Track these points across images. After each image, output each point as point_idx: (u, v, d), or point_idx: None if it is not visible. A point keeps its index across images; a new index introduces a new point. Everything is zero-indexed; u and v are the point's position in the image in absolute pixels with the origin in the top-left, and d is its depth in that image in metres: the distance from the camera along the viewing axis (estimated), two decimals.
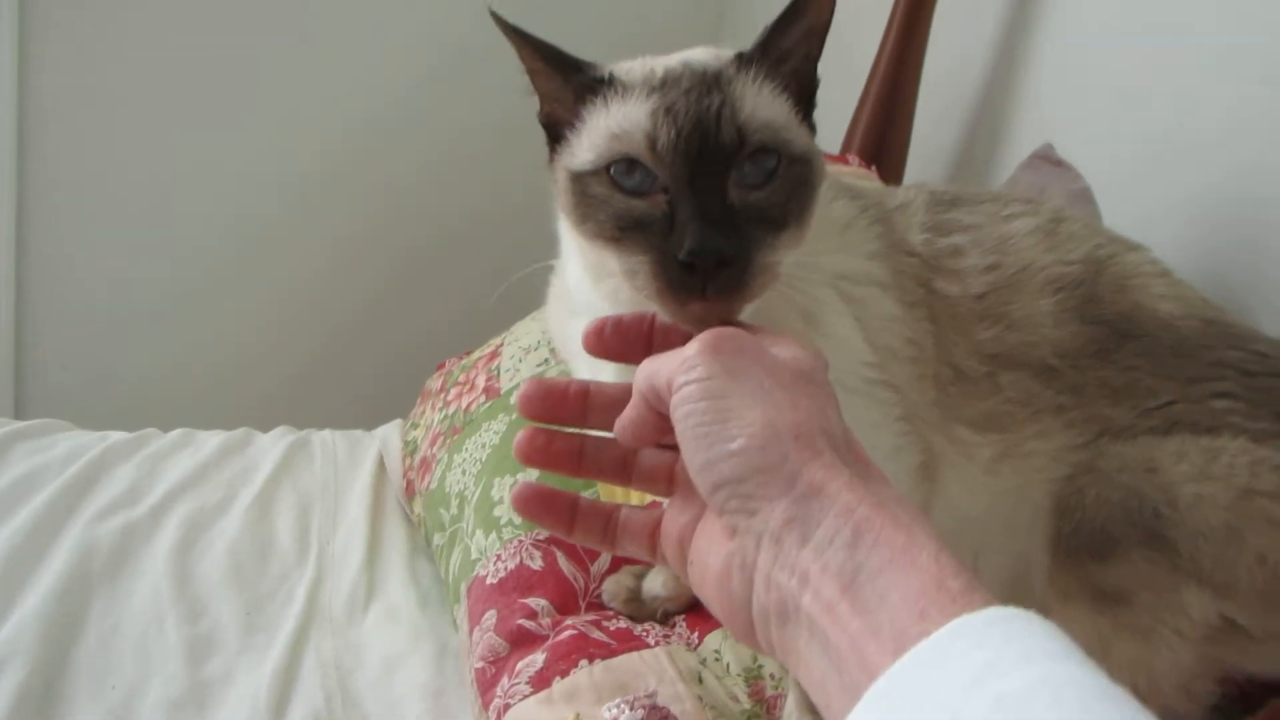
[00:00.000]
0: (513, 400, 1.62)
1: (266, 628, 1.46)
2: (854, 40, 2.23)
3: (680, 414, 0.62)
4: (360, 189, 2.78)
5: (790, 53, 0.86)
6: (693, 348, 0.63)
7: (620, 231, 0.81)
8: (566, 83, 0.87)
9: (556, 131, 0.89)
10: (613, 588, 1.34)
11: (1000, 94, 2.02)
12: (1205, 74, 1.57)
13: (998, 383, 1.06)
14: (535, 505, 0.74)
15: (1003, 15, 1.99)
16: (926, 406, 1.05)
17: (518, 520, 1.41)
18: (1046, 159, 1.74)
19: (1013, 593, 1.10)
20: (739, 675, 1.21)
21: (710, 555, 0.63)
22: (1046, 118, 1.91)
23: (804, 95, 0.88)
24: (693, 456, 0.61)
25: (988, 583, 1.05)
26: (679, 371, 0.62)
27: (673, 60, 0.87)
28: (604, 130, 0.83)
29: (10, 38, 2.34)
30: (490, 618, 1.30)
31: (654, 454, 0.75)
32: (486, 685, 1.24)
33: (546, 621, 1.28)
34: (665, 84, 0.83)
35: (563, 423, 0.74)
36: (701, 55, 0.88)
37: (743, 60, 0.85)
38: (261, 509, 1.72)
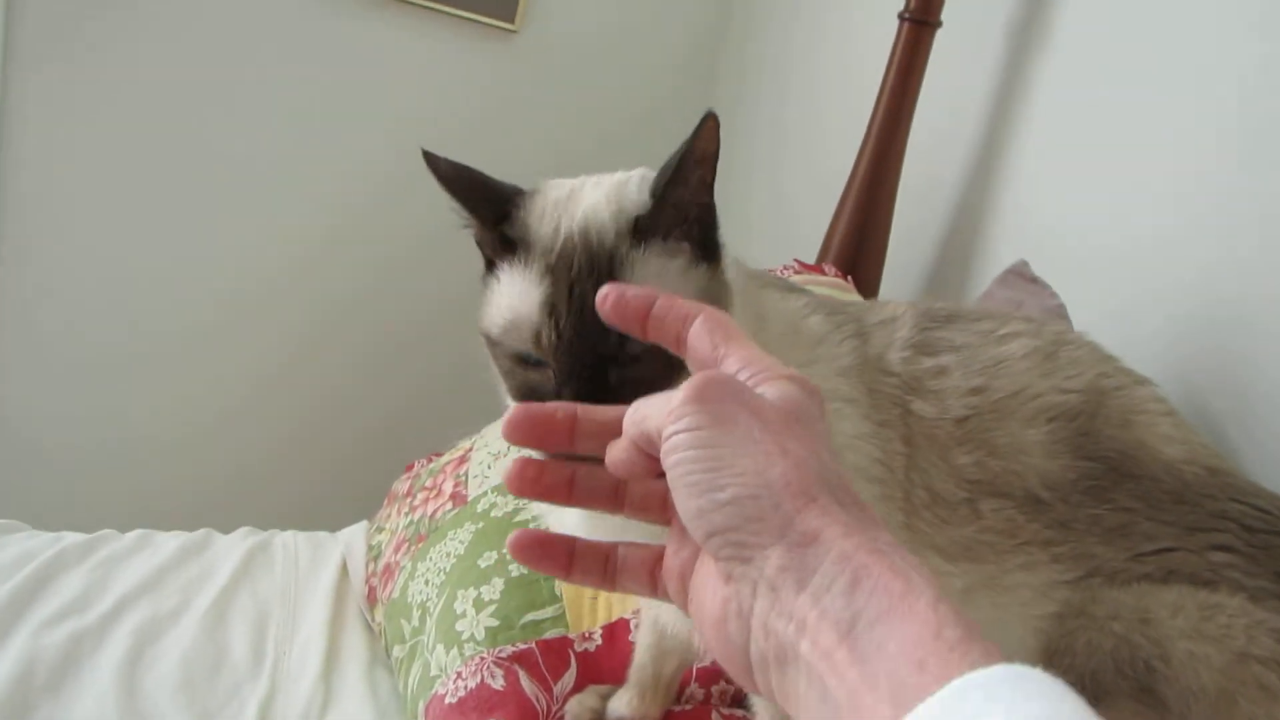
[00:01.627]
0: (479, 508, 1.58)
1: None
2: (831, 151, 2.27)
3: (670, 463, 0.60)
4: (329, 280, 2.78)
5: (686, 202, 0.91)
6: (680, 395, 0.61)
7: (523, 398, 0.92)
8: (486, 230, 0.95)
9: (486, 256, 0.98)
10: (576, 709, 1.29)
11: (976, 208, 2.04)
12: (1175, 194, 1.60)
13: (978, 510, 1.03)
14: (532, 550, 0.71)
15: (979, 130, 2.03)
16: (895, 528, 1.02)
17: (480, 635, 1.36)
18: (1021, 275, 1.74)
19: None
20: None
21: (707, 598, 0.61)
22: (1021, 233, 1.93)
23: (705, 229, 0.94)
24: (684, 505, 0.60)
25: None
26: (668, 421, 0.61)
27: (575, 212, 0.93)
28: (507, 308, 0.92)
29: None
30: None
31: (647, 481, 0.73)
32: None
33: None
34: (558, 265, 0.89)
35: (551, 448, 0.72)
36: (605, 207, 0.93)
37: (638, 230, 0.90)
38: (217, 616, 1.66)
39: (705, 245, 0.94)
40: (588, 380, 0.87)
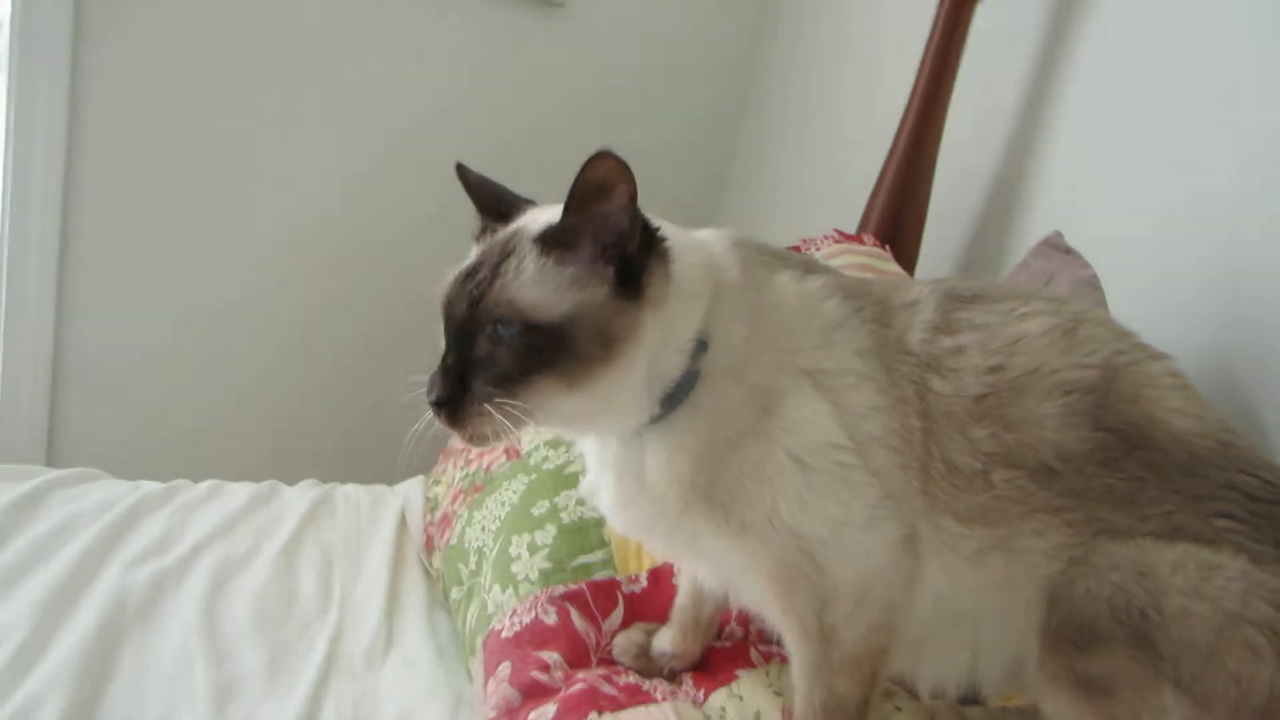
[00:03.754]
0: (532, 461, 1.68)
1: (289, 674, 1.51)
2: (872, 125, 2.33)
3: None
4: (383, 237, 2.89)
5: (601, 227, 1.03)
6: None
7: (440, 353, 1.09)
8: (484, 216, 1.17)
9: None
10: (623, 644, 1.39)
11: (1013, 179, 2.10)
12: (1208, 166, 1.65)
13: (991, 480, 1.09)
14: None
15: (1017, 104, 2.08)
16: (912, 494, 1.10)
17: (534, 576, 1.47)
18: (1056, 246, 1.79)
19: (1010, 678, 1.15)
20: None
21: None
22: (1057, 205, 1.98)
23: (625, 261, 1.04)
24: None
25: (989, 675, 1.10)
26: None
27: (532, 219, 1.11)
28: (446, 271, 1.12)
29: (61, 119, 2.48)
30: (505, 669, 1.36)
31: None
32: None
33: (559, 674, 1.33)
34: (483, 251, 1.10)
35: None
36: (546, 217, 1.09)
37: (545, 238, 1.06)
38: (286, 560, 1.78)
39: (624, 276, 1.04)
40: (455, 341, 1.05)
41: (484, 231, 1.14)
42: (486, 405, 1.02)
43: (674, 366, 1.07)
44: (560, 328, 1.02)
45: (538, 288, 1.03)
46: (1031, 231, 1.96)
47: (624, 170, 0.98)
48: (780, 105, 3.05)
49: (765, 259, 1.16)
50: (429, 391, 1.05)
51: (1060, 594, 1.06)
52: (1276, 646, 0.98)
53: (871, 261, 1.92)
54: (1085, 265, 1.71)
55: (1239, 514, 1.06)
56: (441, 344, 1.08)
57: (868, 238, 2.05)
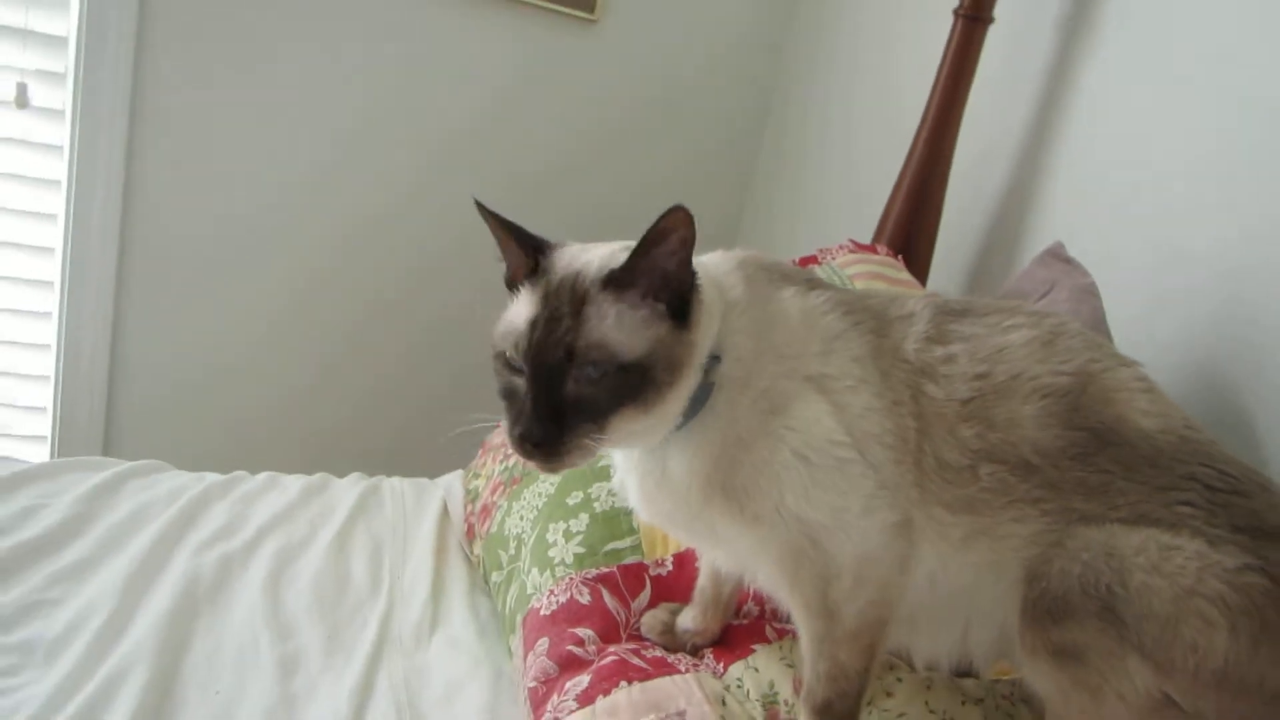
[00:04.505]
0: None
1: (345, 650, 1.67)
2: (888, 140, 2.45)
3: None
4: (420, 240, 3.06)
5: (654, 269, 1.14)
6: None
7: (504, 397, 1.19)
8: (527, 257, 1.22)
9: (511, 287, 1.25)
10: (650, 621, 1.53)
11: (1021, 193, 2.21)
12: (1202, 184, 1.76)
13: (977, 474, 1.22)
14: None
15: (1025, 122, 2.20)
16: (906, 486, 1.23)
17: (569, 560, 1.61)
18: (1057, 256, 1.90)
19: (998, 651, 1.28)
20: (758, 700, 1.38)
21: None
22: (1060, 217, 2.10)
23: (677, 296, 1.16)
24: None
25: (978, 648, 1.24)
26: None
27: (579, 261, 1.20)
28: (506, 319, 1.20)
29: (123, 119, 2.66)
30: (543, 644, 1.50)
31: None
32: (538, 702, 1.43)
33: (592, 648, 1.47)
34: (549, 294, 1.17)
35: None
36: (599, 261, 1.19)
37: (610, 281, 1.15)
38: (340, 546, 1.94)
39: (679, 309, 1.16)
40: (546, 386, 1.13)
41: (535, 273, 1.21)
42: (587, 440, 1.14)
43: (695, 381, 1.20)
44: (642, 363, 1.14)
45: (621, 331, 1.13)
46: (1038, 242, 2.07)
47: (691, 221, 1.11)
48: (801, 120, 3.17)
49: (771, 277, 1.30)
50: (517, 429, 1.14)
51: (1038, 573, 1.18)
52: (1229, 618, 1.10)
53: (884, 270, 2.04)
54: (1085, 274, 1.82)
55: (1198, 502, 1.17)
56: (512, 384, 1.17)
57: (881, 248, 2.17)
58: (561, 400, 1.13)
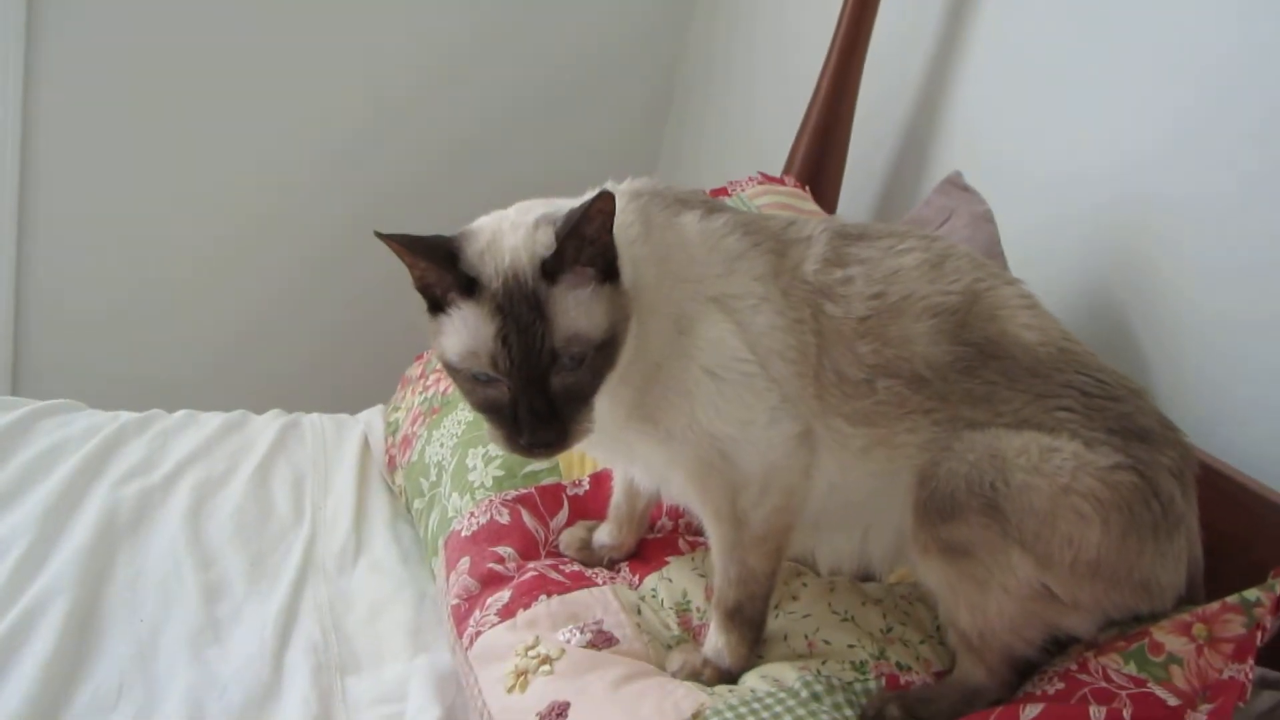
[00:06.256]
0: None
1: (269, 576, 1.70)
2: (795, 73, 2.49)
3: None
4: (346, 192, 3.01)
5: (581, 245, 1.17)
6: None
7: (482, 411, 1.22)
8: (444, 274, 1.18)
9: (433, 299, 1.22)
10: (568, 538, 1.59)
11: (925, 126, 2.28)
12: (1091, 115, 1.85)
13: (874, 388, 1.29)
14: None
15: (928, 57, 2.26)
16: (808, 399, 1.29)
17: (489, 483, 1.65)
18: (955, 184, 1.98)
19: (897, 555, 1.36)
20: (671, 609, 1.45)
21: None
22: (961, 148, 2.17)
23: (606, 258, 1.20)
24: None
25: (877, 551, 1.36)
26: None
27: (503, 258, 1.18)
28: (464, 340, 1.18)
29: (17, 48, 2.56)
30: (464, 564, 1.54)
31: None
32: (460, 618, 1.48)
33: (512, 565, 1.53)
34: (504, 304, 1.16)
35: None
36: (526, 253, 1.18)
37: (546, 269, 1.16)
38: (261, 479, 1.95)
39: (607, 269, 1.20)
40: (536, 390, 1.16)
41: (470, 289, 1.17)
42: (585, 424, 1.20)
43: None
44: (610, 334, 1.19)
45: (585, 316, 1.17)
46: (941, 172, 2.14)
47: (611, 200, 1.15)
48: (716, 57, 3.19)
49: (667, 204, 1.34)
50: (523, 440, 1.17)
51: (928, 474, 1.26)
52: (1101, 513, 1.19)
53: (792, 201, 2.10)
54: (981, 201, 1.90)
55: (1075, 407, 1.26)
56: (488, 398, 1.19)
57: (789, 179, 2.22)
58: (551, 397, 1.17)
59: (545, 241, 1.18)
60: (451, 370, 1.22)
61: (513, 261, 1.17)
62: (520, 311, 1.15)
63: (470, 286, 1.17)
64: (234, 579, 1.67)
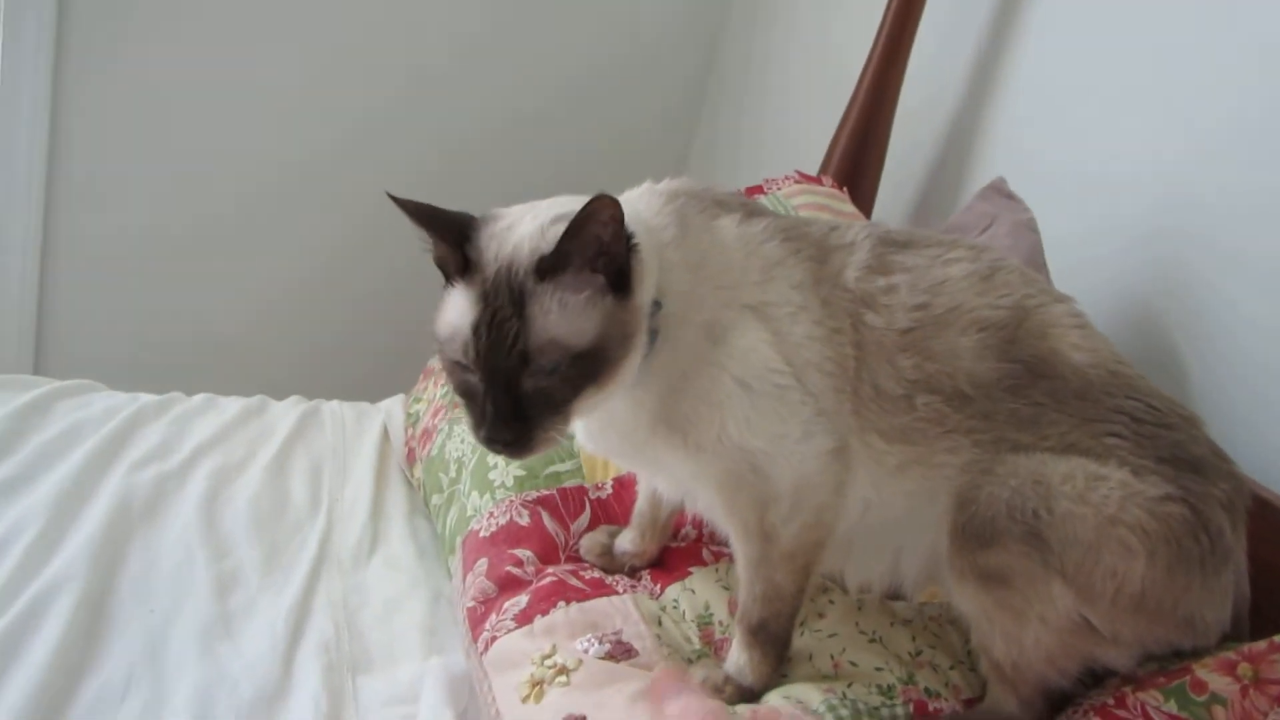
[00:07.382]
0: None
1: (283, 569, 1.66)
2: (837, 72, 2.44)
3: None
4: (375, 178, 2.95)
5: (586, 244, 1.11)
6: None
7: (459, 395, 1.19)
8: (454, 250, 1.16)
9: (446, 274, 1.20)
10: (589, 543, 1.55)
11: (967, 129, 2.23)
12: (1134, 121, 1.80)
13: (913, 403, 1.24)
14: None
15: (972, 60, 2.20)
16: (844, 413, 1.24)
17: (509, 483, 1.62)
18: (999, 191, 1.93)
19: (929, 577, 1.31)
20: (693, 621, 1.41)
21: None
22: (1002, 153, 2.12)
23: (614, 266, 1.13)
24: None
25: (910, 572, 1.32)
26: None
27: (508, 245, 1.14)
28: (450, 321, 1.16)
29: (50, 21, 2.54)
30: (482, 565, 1.51)
31: None
32: (476, 621, 1.44)
33: (531, 569, 1.49)
34: (489, 292, 1.13)
35: None
36: (528, 244, 1.14)
37: (542, 267, 1.11)
38: (278, 467, 1.92)
39: (617, 279, 1.14)
40: (503, 388, 1.12)
41: (467, 269, 1.15)
42: (552, 432, 1.15)
43: (646, 340, 1.19)
44: (595, 347, 1.12)
45: (568, 322, 1.11)
46: (983, 177, 2.09)
47: (616, 205, 1.08)
48: (754, 55, 3.14)
49: (704, 205, 1.29)
50: (482, 433, 1.14)
51: (967, 498, 1.21)
52: (1148, 546, 1.14)
53: (829, 203, 2.05)
54: (1025, 209, 1.86)
55: (1125, 433, 1.21)
56: (467, 383, 1.15)
57: (827, 179, 2.17)
58: (521, 396, 1.12)
59: (551, 238, 1.13)
60: (439, 345, 1.19)
61: (513, 252, 1.14)
62: (501, 304, 1.12)
63: (469, 268, 1.15)
64: (248, 571, 1.64)
